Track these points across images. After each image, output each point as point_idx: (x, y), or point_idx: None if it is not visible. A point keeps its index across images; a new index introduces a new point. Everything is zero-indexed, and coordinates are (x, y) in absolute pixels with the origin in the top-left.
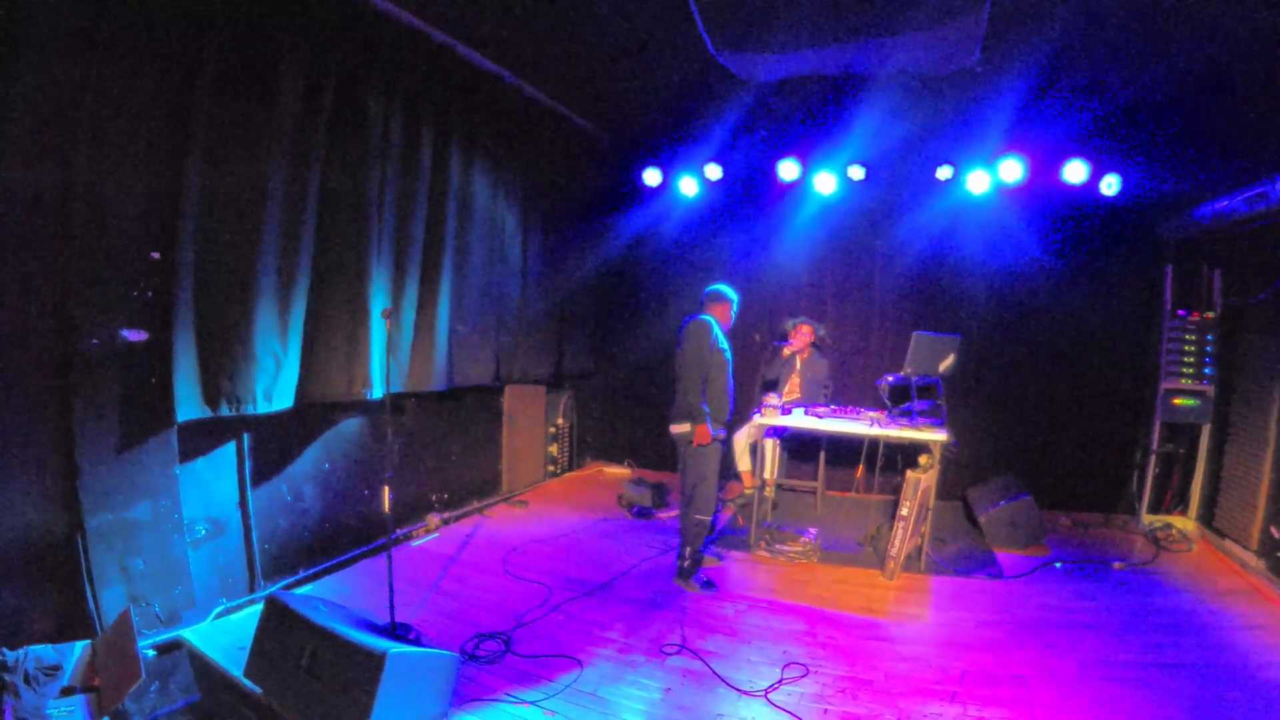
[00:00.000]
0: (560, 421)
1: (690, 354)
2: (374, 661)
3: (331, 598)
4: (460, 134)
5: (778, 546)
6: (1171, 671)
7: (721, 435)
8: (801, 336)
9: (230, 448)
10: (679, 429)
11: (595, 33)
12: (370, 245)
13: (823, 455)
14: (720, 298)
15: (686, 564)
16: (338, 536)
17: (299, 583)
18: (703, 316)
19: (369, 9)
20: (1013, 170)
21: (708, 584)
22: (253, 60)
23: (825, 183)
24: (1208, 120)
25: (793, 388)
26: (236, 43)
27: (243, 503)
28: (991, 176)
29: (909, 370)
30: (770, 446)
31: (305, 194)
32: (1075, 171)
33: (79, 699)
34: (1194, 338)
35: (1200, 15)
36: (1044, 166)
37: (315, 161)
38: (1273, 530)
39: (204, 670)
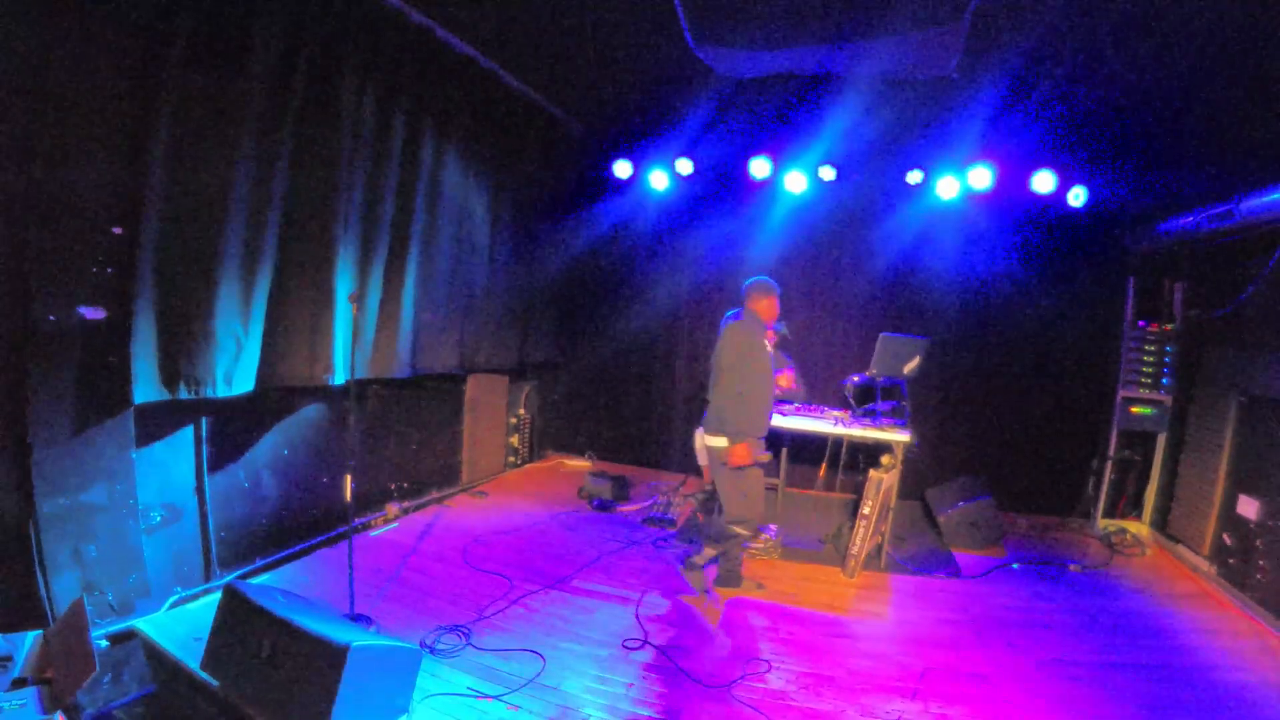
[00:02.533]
0: (522, 412)
1: (731, 359)
2: (336, 654)
3: (289, 587)
4: (434, 118)
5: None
6: (1128, 672)
7: (767, 456)
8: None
9: (188, 432)
10: (711, 443)
11: (575, 19)
12: (337, 227)
13: (785, 452)
14: (767, 290)
15: (702, 562)
16: (296, 525)
17: (256, 572)
18: (745, 314)
19: None
20: (982, 178)
21: (708, 590)
22: (224, 34)
23: (796, 182)
24: (1174, 138)
25: None
26: (208, 16)
27: (199, 489)
28: (961, 183)
29: (874, 371)
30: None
31: (274, 173)
32: (1043, 182)
33: (30, 691)
34: (1153, 348)
35: (1171, 32)
36: (1013, 175)
37: (286, 140)
38: (1225, 537)
39: (159, 662)
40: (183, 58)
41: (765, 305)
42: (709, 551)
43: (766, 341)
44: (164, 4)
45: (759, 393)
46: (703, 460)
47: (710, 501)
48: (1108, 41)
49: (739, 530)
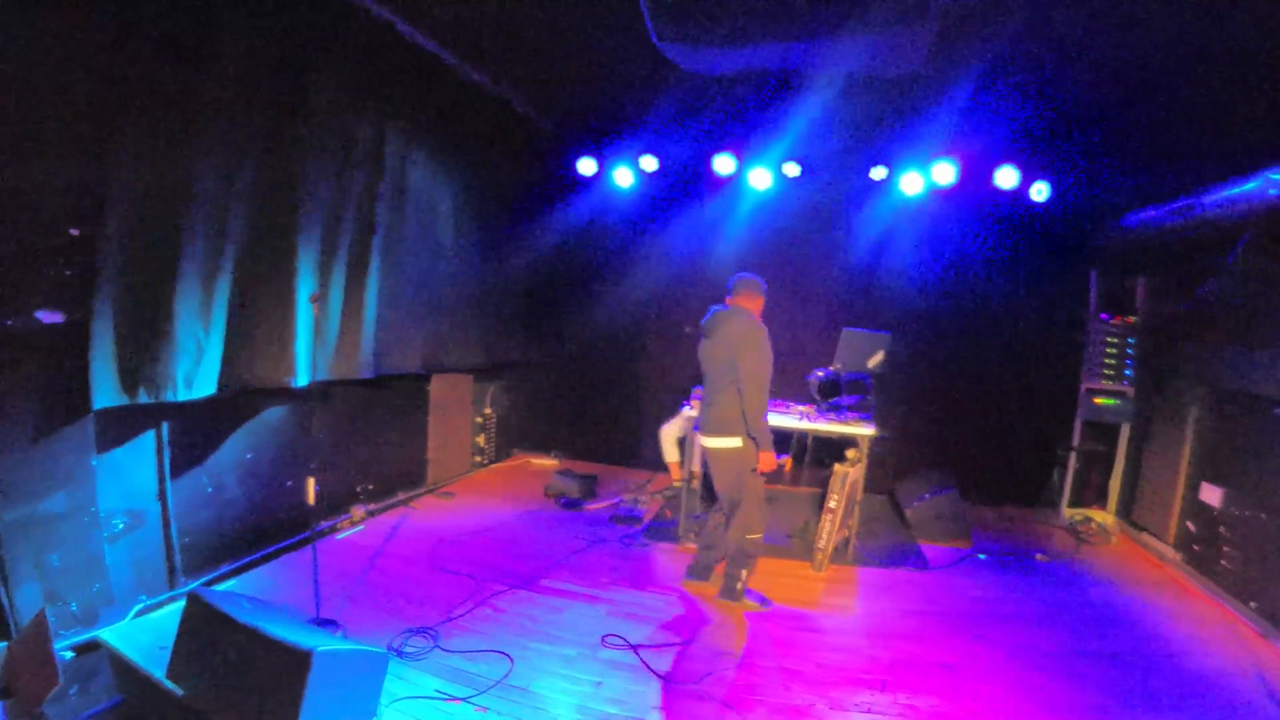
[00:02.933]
0: (487, 411)
1: (759, 363)
2: (300, 660)
3: (255, 593)
4: (399, 115)
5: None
6: (1095, 660)
7: (784, 460)
8: None
9: (149, 437)
10: (719, 444)
11: (539, 15)
12: (300, 227)
13: None
14: (758, 288)
15: (740, 585)
16: (261, 529)
17: (221, 578)
18: (744, 311)
19: None
20: (946, 173)
21: (764, 601)
22: (191, 33)
23: (760, 178)
24: (1137, 134)
25: None
26: (175, 13)
27: (162, 495)
28: (925, 179)
29: (838, 365)
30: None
31: (238, 172)
32: (1006, 177)
33: None
34: (1116, 341)
35: (1136, 30)
36: (977, 171)
37: (250, 139)
38: (1189, 524)
39: (124, 672)
40: (149, 55)
41: (757, 304)
42: (744, 574)
43: None
44: (131, 4)
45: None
46: (673, 457)
47: (675, 500)
48: (1073, 39)
49: (755, 538)
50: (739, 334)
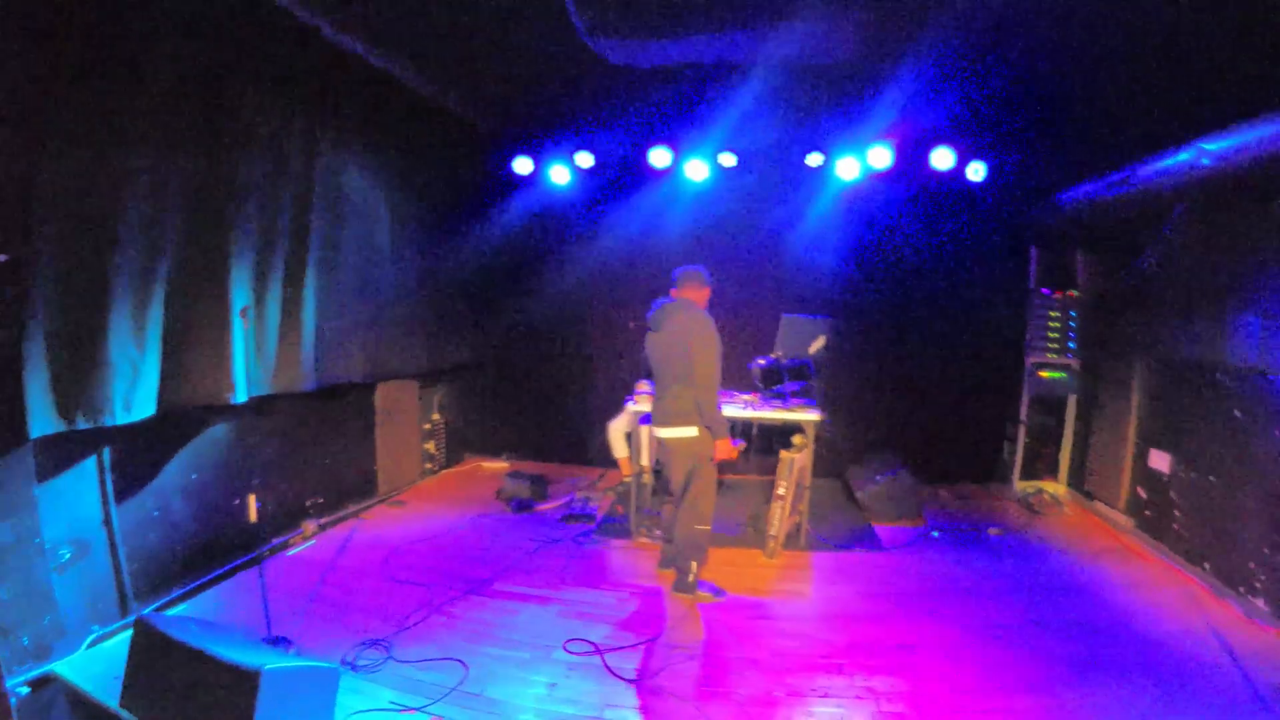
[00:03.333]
0: (436, 417)
1: (711, 354)
2: (248, 680)
3: (209, 615)
4: (329, 123)
5: (659, 532)
6: (1050, 630)
7: (742, 445)
8: None
9: (90, 463)
10: (675, 434)
11: (466, 16)
12: (232, 240)
13: None
14: (703, 279)
15: (691, 578)
16: (211, 550)
17: (174, 602)
18: (690, 303)
19: None
20: (882, 157)
21: (718, 591)
22: (118, 44)
23: (697, 170)
24: (1072, 111)
25: None
26: (100, 29)
27: (107, 521)
28: (861, 163)
29: (779, 353)
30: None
31: (167, 186)
32: (942, 159)
33: None
34: (1058, 314)
35: (1068, 9)
36: (913, 154)
37: (179, 152)
38: (1140, 491)
39: (79, 705)
40: (74, 72)
41: (702, 295)
42: (694, 565)
43: None
44: (54, 14)
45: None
46: (622, 452)
47: (627, 495)
48: (1007, 22)
49: (704, 529)
50: (688, 326)
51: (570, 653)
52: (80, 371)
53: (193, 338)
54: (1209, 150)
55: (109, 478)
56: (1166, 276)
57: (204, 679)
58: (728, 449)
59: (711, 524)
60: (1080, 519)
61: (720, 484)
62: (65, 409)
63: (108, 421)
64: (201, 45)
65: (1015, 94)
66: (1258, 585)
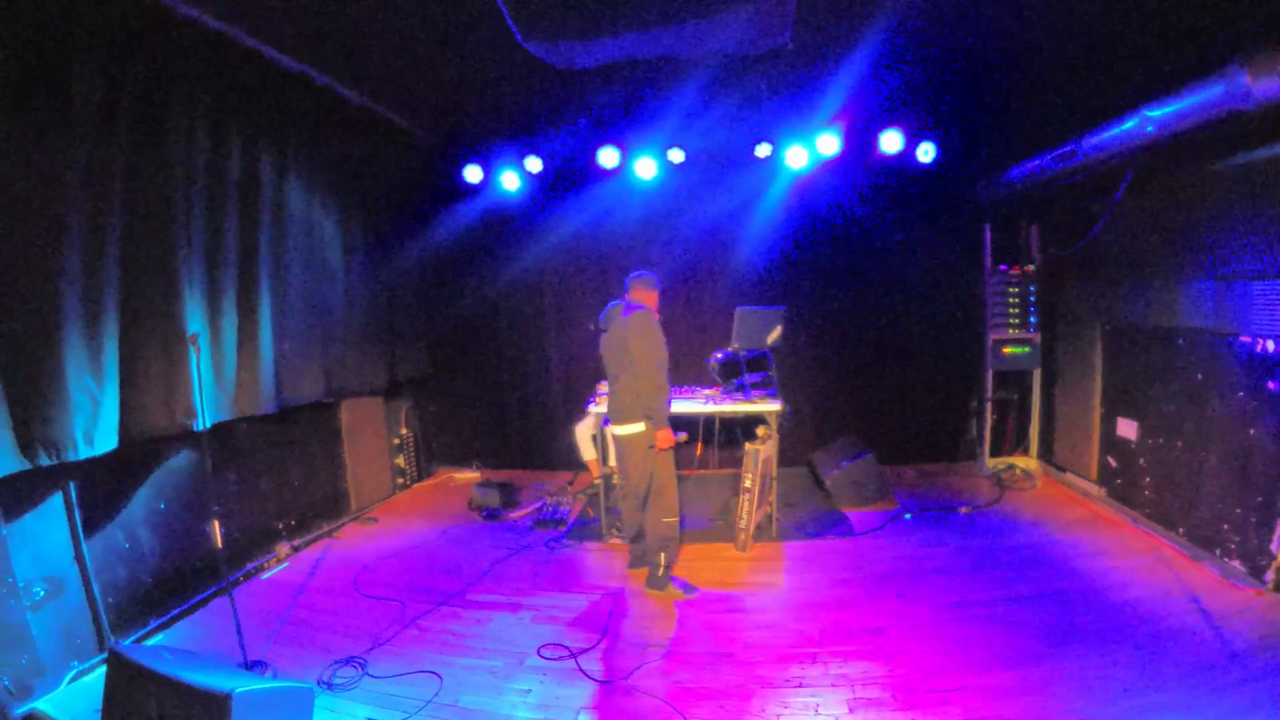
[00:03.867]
0: (404, 431)
1: (648, 346)
2: (219, 705)
3: (184, 644)
4: (271, 140)
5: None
6: (1023, 603)
7: (684, 437)
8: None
9: (57, 499)
10: (627, 430)
11: (402, 27)
12: (180, 266)
13: None
14: (652, 283)
15: (661, 572)
16: (182, 579)
17: (150, 633)
18: (637, 304)
19: (166, 12)
20: (830, 144)
21: (689, 588)
22: (42, 76)
23: (646, 168)
24: (1016, 86)
25: None
26: (23, 57)
27: (78, 556)
28: (810, 151)
29: (736, 345)
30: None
31: (106, 217)
32: (891, 141)
33: None
34: (1016, 290)
35: None
36: (861, 138)
37: (115, 181)
38: (1109, 459)
39: None
40: (6, 103)
41: (651, 297)
42: (663, 559)
43: None
44: None
45: (665, 379)
46: (590, 455)
47: (596, 497)
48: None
49: (671, 521)
50: (632, 324)
51: (544, 658)
52: (39, 408)
53: (150, 367)
54: (1153, 117)
55: (77, 513)
56: (1120, 244)
57: (177, 707)
58: (666, 437)
59: (678, 516)
60: (1052, 491)
61: (685, 479)
62: (26, 446)
63: (70, 457)
64: (131, 67)
65: (960, 73)
66: (1231, 547)
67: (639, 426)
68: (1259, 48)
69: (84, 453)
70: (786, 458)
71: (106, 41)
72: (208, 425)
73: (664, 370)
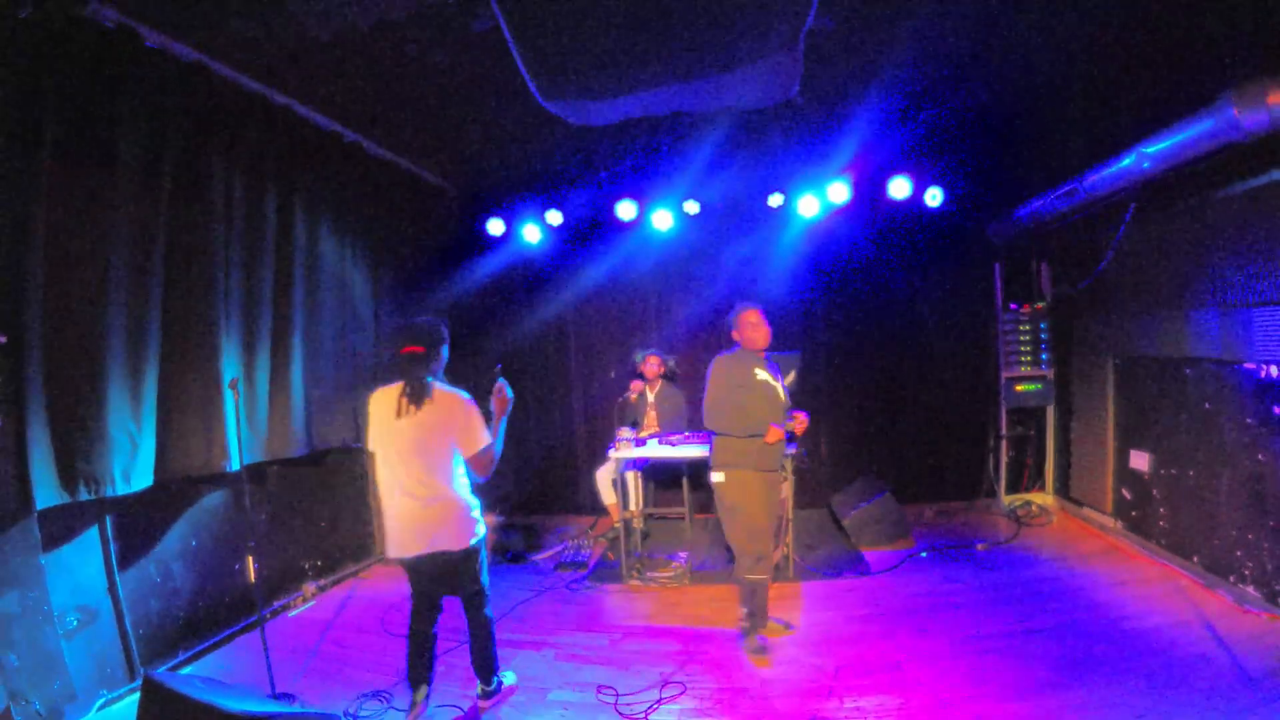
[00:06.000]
0: None
1: (708, 388)
2: None
3: (213, 675)
4: (304, 194)
5: (650, 574)
6: (1040, 636)
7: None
8: (650, 368)
9: (93, 532)
10: (712, 478)
11: (427, 88)
12: (219, 314)
13: (685, 482)
14: (735, 316)
15: (742, 623)
16: (212, 614)
17: (179, 665)
18: (724, 352)
19: (207, 73)
20: (840, 192)
21: (763, 647)
22: (90, 132)
23: (663, 219)
24: (1019, 129)
25: (650, 422)
26: (73, 114)
27: (112, 588)
28: (821, 200)
29: None
30: (632, 479)
31: (150, 266)
32: (899, 188)
33: None
34: (1028, 327)
35: (1002, 40)
36: (870, 186)
37: (158, 232)
38: (1124, 492)
39: None
40: (51, 158)
41: (738, 334)
42: (743, 612)
43: (757, 370)
44: (29, 105)
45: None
46: (611, 499)
47: (618, 541)
48: (941, 56)
49: (751, 579)
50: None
51: (564, 694)
52: (81, 445)
53: (186, 410)
54: (1149, 153)
55: (112, 546)
56: (1128, 277)
57: None
58: (775, 431)
59: (759, 574)
60: (1068, 526)
61: (703, 522)
62: (68, 481)
63: (109, 492)
64: (174, 127)
65: (964, 119)
66: (1246, 573)
67: (717, 476)
68: (1245, 81)
69: (121, 490)
70: (805, 500)
71: (149, 100)
72: (240, 467)
73: (723, 410)
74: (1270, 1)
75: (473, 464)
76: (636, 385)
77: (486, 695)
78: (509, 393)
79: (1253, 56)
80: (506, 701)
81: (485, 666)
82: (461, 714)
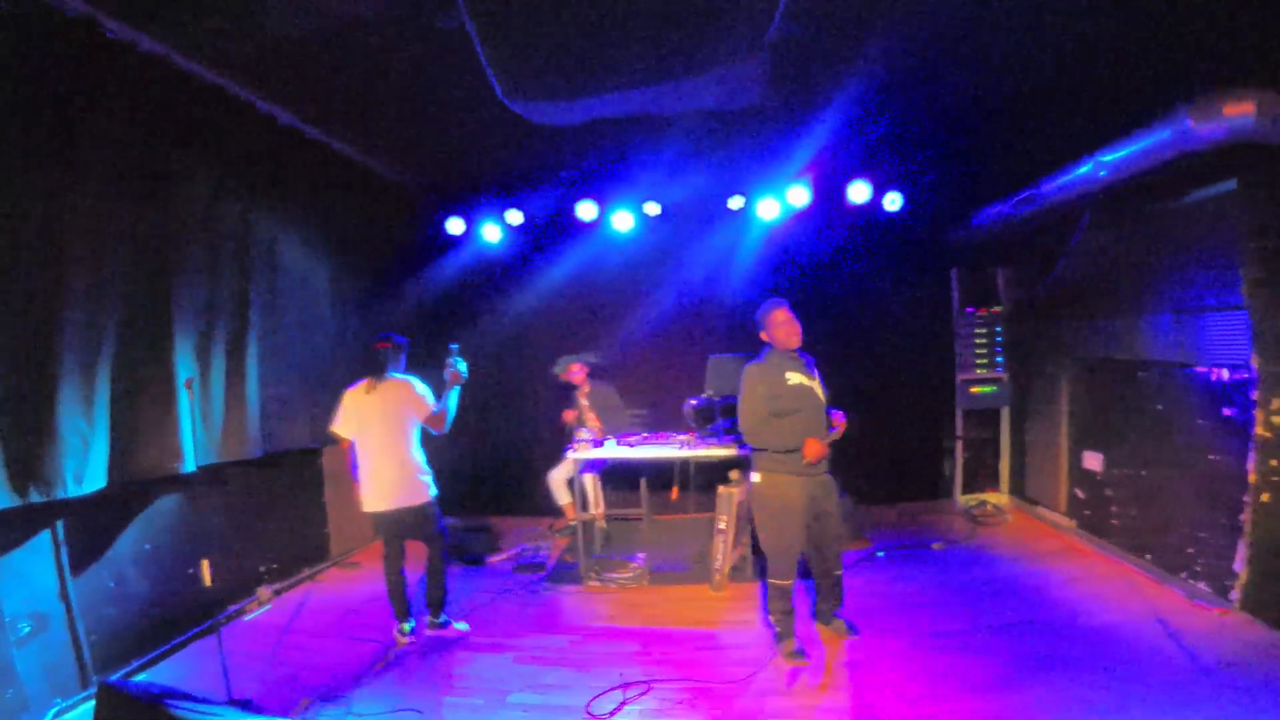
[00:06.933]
0: None
1: (741, 395)
2: None
3: (169, 682)
4: (265, 192)
5: (609, 575)
6: (996, 633)
7: (841, 422)
8: (576, 375)
9: (45, 536)
10: (752, 478)
11: (393, 84)
12: (175, 312)
13: (644, 482)
14: (762, 316)
15: (778, 629)
16: (168, 619)
17: (133, 672)
18: (752, 360)
19: (169, 68)
20: (800, 196)
21: (795, 654)
22: (53, 126)
23: (623, 220)
24: (979, 137)
25: (592, 421)
26: (36, 109)
27: (64, 594)
28: (781, 203)
29: (710, 392)
30: (590, 481)
31: (107, 262)
32: (859, 192)
33: None
34: (984, 331)
35: (965, 50)
36: (830, 189)
37: (115, 228)
38: (1078, 492)
39: None
40: (10, 152)
41: (767, 334)
42: (771, 618)
43: (789, 374)
44: None
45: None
46: (565, 499)
47: (577, 541)
48: (905, 64)
49: (773, 582)
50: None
51: (525, 696)
52: (31, 446)
53: (140, 410)
54: (1106, 162)
55: (64, 551)
56: (1082, 283)
57: None
58: (815, 447)
59: (776, 575)
60: (1024, 525)
61: (663, 523)
62: (18, 483)
63: (60, 495)
64: (136, 124)
65: (924, 125)
66: (1198, 569)
67: (752, 478)
68: (1201, 92)
69: (73, 491)
70: None
71: (112, 94)
72: (194, 468)
73: (756, 418)
74: (1226, 16)
75: (430, 423)
76: (569, 415)
77: (435, 627)
78: (462, 368)
79: (1210, 69)
80: (454, 639)
81: (437, 603)
82: (415, 641)
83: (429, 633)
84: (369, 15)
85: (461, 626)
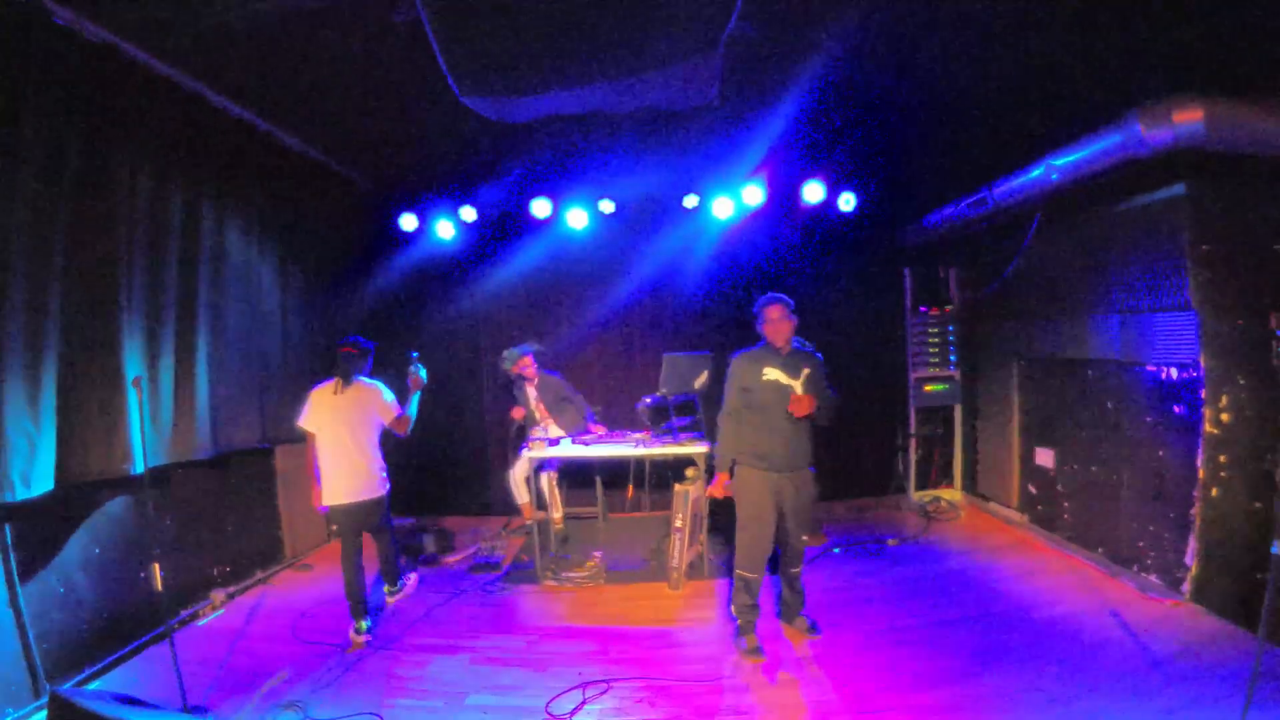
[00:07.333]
0: None
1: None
2: None
3: (122, 690)
4: (212, 186)
5: (565, 574)
6: (954, 626)
7: (725, 483)
8: (527, 369)
9: None
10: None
11: (344, 78)
12: (120, 311)
13: (599, 481)
14: (759, 310)
15: (740, 622)
16: (119, 625)
17: (86, 680)
18: (741, 350)
19: (116, 56)
20: (754, 195)
21: (754, 650)
22: None
23: (577, 218)
24: (932, 139)
25: (543, 416)
26: None
27: (13, 600)
28: (736, 202)
29: (664, 390)
30: (546, 480)
31: (50, 261)
32: (813, 192)
33: None
34: (936, 330)
35: (916, 48)
36: (785, 189)
37: (59, 222)
38: (1030, 488)
39: None
40: None
41: (763, 327)
42: (732, 609)
43: (768, 369)
44: None
45: (748, 418)
46: (524, 498)
47: (533, 541)
48: (857, 59)
49: (738, 573)
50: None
51: (482, 698)
52: None
53: (89, 409)
54: (1057, 165)
55: (12, 556)
56: (1033, 283)
57: None
58: (713, 486)
59: (742, 567)
60: (976, 520)
61: (619, 521)
62: None
63: (8, 498)
64: (76, 114)
65: (878, 126)
66: (1149, 562)
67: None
68: (1152, 99)
69: (20, 494)
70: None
71: (55, 83)
72: (144, 469)
73: (729, 413)
74: (1177, 24)
75: (393, 426)
76: (518, 412)
77: (393, 594)
78: (422, 374)
79: (1160, 76)
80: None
81: (391, 574)
82: (371, 641)
83: (390, 602)
84: (320, 6)
85: (411, 578)
